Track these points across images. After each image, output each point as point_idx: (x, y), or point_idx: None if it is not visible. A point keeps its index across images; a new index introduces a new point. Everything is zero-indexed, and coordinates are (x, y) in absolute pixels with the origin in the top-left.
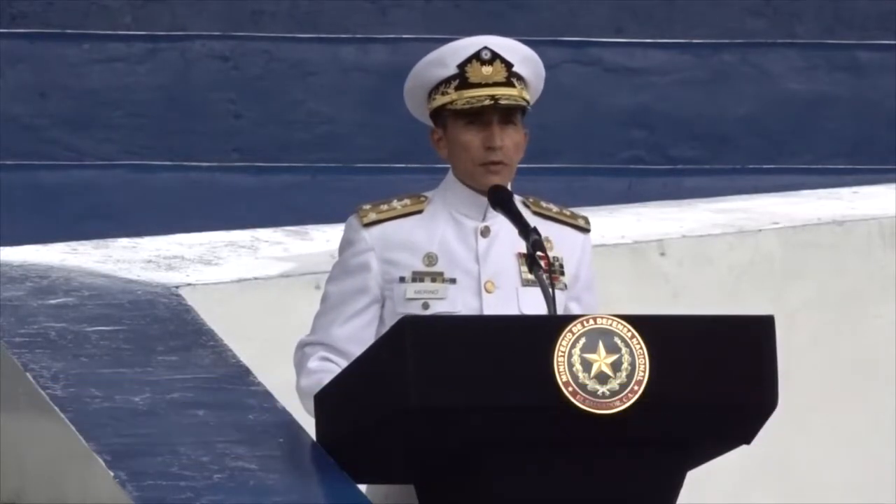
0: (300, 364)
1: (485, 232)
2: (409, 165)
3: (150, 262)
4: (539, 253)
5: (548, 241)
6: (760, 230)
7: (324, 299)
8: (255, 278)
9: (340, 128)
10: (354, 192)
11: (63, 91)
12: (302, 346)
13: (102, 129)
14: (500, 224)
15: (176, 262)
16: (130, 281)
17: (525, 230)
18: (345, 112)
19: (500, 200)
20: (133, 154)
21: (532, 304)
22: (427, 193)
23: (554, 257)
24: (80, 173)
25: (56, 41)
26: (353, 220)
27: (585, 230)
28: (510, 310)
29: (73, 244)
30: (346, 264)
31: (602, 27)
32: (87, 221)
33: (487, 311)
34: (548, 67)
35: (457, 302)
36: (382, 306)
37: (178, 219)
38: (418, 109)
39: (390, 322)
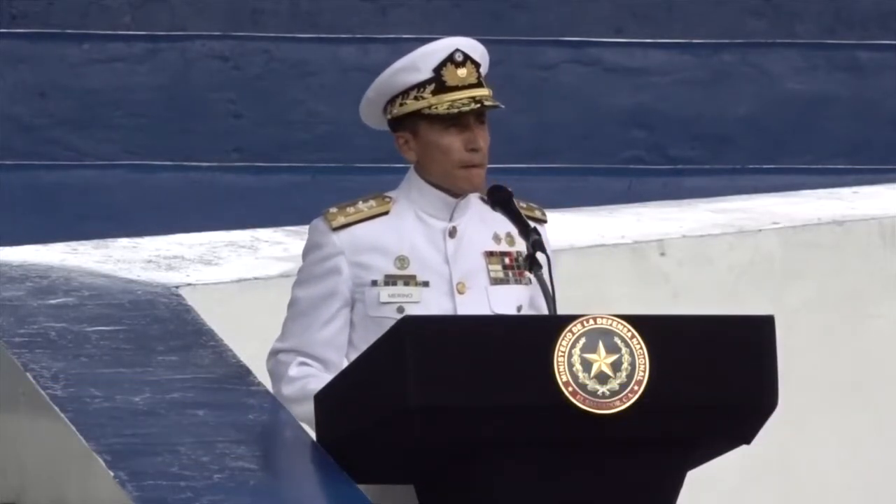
0: (277, 372)
1: (452, 233)
2: (408, 165)
3: (150, 262)
4: (539, 253)
5: (509, 236)
6: (760, 230)
7: (292, 304)
8: (255, 278)
9: (340, 128)
10: (354, 192)
11: (63, 91)
12: (275, 353)
13: (102, 129)
14: (466, 224)
15: (176, 262)
16: (130, 281)
17: (525, 230)
18: (345, 112)
19: (501, 200)
20: (133, 154)
21: (502, 302)
22: (390, 193)
23: (517, 252)
24: (80, 173)
25: (56, 41)
26: (319, 223)
27: (543, 221)
28: (482, 309)
29: (73, 244)
30: (314, 269)
31: (602, 27)
32: (87, 221)
33: (461, 312)
34: (548, 67)
35: (431, 304)
36: (352, 310)
37: (178, 219)
38: (374, 117)
39: (361, 326)
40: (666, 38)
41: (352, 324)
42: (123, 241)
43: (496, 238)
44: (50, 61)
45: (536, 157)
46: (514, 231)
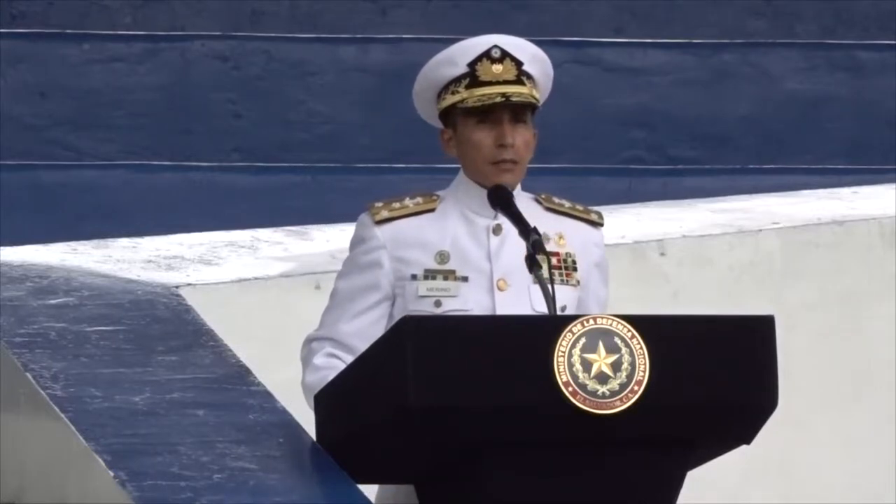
0: (306, 360)
1: (496, 230)
2: (409, 165)
3: (150, 262)
4: (539, 253)
5: (561, 237)
6: (760, 230)
7: (333, 295)
8: (255, 278)
9: (340, 128)
10: (354, 192)
11: (63, 91)
12: (309, 341)
13: (102, 129)
14: None
15: (176, 262)
16: (130, 281)
17: (525, 230)
18: (345, 112)
19: (500, 200)
20: (133, 154)
21: (544, 301)
22: (439, 192)
23: (567, 253)
24: (80, 173)
25: (56, 41)
26: (364, 217)
27: (599, 224)
28: (522, 307)
29: (73, 244)
30: (356, 261)
31: (602, 27)
32: (87, 221)
33: (500, 309)
34: None
35: (469, 300)
36: (393, 304)
37: (178, 219)
38: (427, 111)
39: None
40: (666, 38)
41: (392, 318)
42: (123, 241)
43: (545, 237)
44: (50, 61)
45: (536, 157)
46: (566, 230)
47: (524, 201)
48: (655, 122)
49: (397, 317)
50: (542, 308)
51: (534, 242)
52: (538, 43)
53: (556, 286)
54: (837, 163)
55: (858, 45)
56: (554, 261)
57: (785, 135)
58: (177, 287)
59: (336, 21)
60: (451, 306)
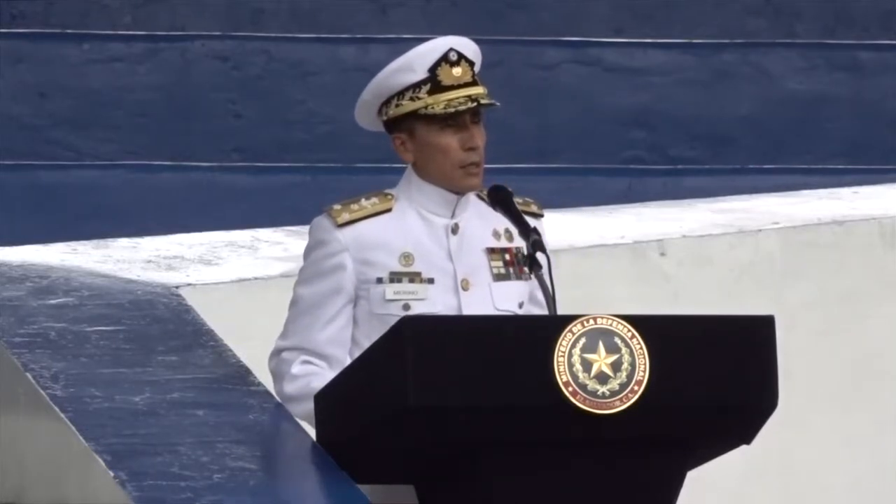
0: (280, 371)
1: (455, 229)
2: (408, 165)
3: (150, 262)
4: (539, 252)
5: (507, 232)
6: (760, 230)
7: (295, 303)
8: (255, 278)
9: (340, 128)
10: (354, 193)
11: (63, 91)
12: (278, 351)
13: (102, 129)
14: (467, 221)
15: (176, 262)
16: (130, 281)
17: (525, 231)
18: (345, 112)
19: (501, 201)
20: (133, 154)
21: (505, 298)
22: (391, 191)
23: (517, 248)
24: (80, 173)
25: (56, 41)
26: (323, 220)
27: (539, 215)
28: (486, 306)
29: (73, 244)
30: (318, 266)
31: (602, 27)
32: (87, 221)
33: (466, 309)
34: (548, 67)
35: (437, 302)
36: (354, 307)
37: (178, 219)
38: (369, 118)
39: (365, 323)
40: (666, 38)
41: (354, 321)
42: (123, 241)
43: (496, 234)
44: (50, 61)
45: (537, 157)
46: (513, 227)
47: (471, 198)
48: (655, 122)
49: (360, 320)
50: (504, 306)
51: (534, 242)
52: (537, 43)
53: (511, 282)
54: (837, 163)
55: (858, 45)
56: (507, 256)
57: (785, 135)
58: (177, 287)
59: (336, 21)
60: (420, 309)
